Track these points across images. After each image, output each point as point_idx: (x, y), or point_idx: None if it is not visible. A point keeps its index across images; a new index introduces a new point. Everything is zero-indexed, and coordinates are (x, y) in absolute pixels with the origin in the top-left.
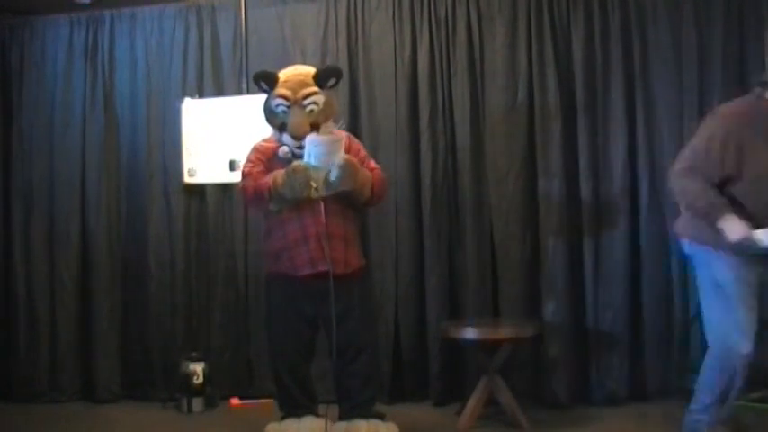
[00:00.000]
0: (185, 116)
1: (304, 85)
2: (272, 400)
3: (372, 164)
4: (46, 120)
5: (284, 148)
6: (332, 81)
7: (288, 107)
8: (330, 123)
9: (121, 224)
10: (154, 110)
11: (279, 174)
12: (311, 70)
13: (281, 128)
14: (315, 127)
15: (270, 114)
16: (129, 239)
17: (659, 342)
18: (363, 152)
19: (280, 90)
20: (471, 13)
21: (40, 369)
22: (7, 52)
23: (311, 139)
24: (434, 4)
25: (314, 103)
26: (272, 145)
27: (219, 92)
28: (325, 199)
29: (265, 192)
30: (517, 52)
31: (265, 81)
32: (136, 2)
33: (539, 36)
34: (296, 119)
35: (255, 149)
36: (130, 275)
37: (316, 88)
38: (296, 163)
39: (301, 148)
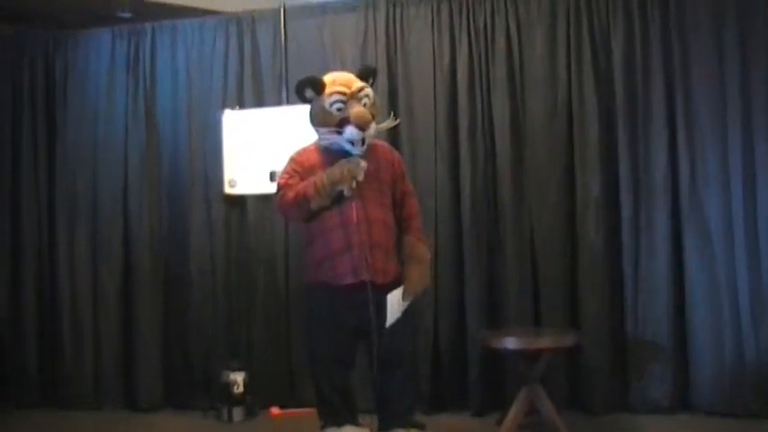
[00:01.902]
0: (226, 127)
1: (353, 80)
2: (312, 410)
3: (408, 186)
4: (89, 131)
5: (357, 152)
6: (371, 79)
7: (344, 102)
8: (390, 120)
9: (163, 234)
10: (195, 121)
11: (326, 171)
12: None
13: (341, 123)
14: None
15: (324, 115)
16: (171, 249)
17: (707, 353)
18: (402, 168)
19: (332, 88)
20: (510, 22)
21: (84, 376)
22: (51, 65)
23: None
24: (473, 13)
25: (366, 96)
26: (312, 154)
27: (259, 102)
28: (369, 208)
29: (309, 188)
30: (556, 60)
31: (312, 86)
32: (176, 14)
33: (578, 44)
34: (357, 109)
35: (293, 160)
36: (172, 284)
37: (365, 83)
38: (353, 158)
39: (363, 140)
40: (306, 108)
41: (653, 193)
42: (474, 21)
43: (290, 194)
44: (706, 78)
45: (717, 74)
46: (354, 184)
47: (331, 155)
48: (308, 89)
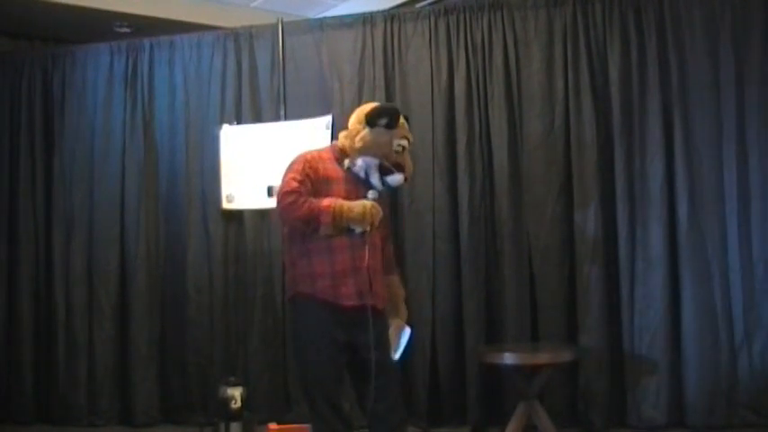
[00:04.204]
0: (223, 142)
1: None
2: (309, 426)
3: (390, 226)
4: (86, 146)
5: (374, 193)
6: None
7: (404, 148)
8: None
9: (160, 250)
10: (192, 136)
11: (346, 203)
12: None
13: (396, 167)
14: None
15: (385, 149)
16: (168, 265)
17: (701, 368)
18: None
19: (403, 131)
20: (507, 38)
21: (80, 393)
22: (49, 80)
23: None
24: (471, 30)
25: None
26: (330, 164)
27: (257, 118)
28: (374, 236)
29: (326, 215)
30: (554, 77)
31: (391, 118)
32: (174, 29)
33: (575, 61)
34: (409, 162)
35: (305, 161)
36: (169, 300)
37: None
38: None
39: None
40: (303, 123)
41: (649, 209)
42: (472, 37)
43: (304, 208)
44: (702, 96)
45: (713, 91)
46: (369, 228)
47: (349, 173)
48: (385, 118)
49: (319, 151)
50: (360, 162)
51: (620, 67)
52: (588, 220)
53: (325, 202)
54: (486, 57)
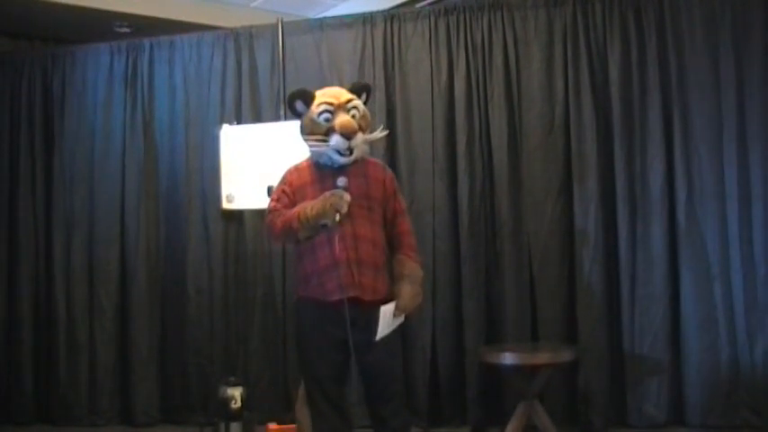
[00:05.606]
0: (223, 142)
1: (343, 93)
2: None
3: (400, 204)
4: (86, 146)
5: (343, 179)
6: (363, 96)
7: (332, 112)
8: (378, 131)
9: (160, 250)
10: (192, 136)
11: (309, 203)
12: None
13: (327, 132)
14: (360, 130)
15: (313, 125)
16: (168, 265)
17: (702, 368)
18: (394, 186)
19: (321, 99)
20: (507, 38)
21: (80, 393)
22: (49, 80)
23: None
24: (470, 29)
25: (355, 107)
26: (304, 171)
27: (257, 118)
28: (357, 225)
29: (294, 221)
30: (554, 77)
31: (303, 99)
32: (174, 29)
33: (575, 60)
34: (343, 118)
35: (283, 180)
36: (169, 300)
37: (354, 96)
38: (337, 191)
39: (350, 149)
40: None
41: (649, 209)
42: (471, 37)
43: (278, 223)
44: (702, 95)
45: (712, 90)
46: (338, 218)
47: (323, 171)
48: (298, 101)
49: (299, 163)
50: (313, 152)
51: (620, 66)
52: (588, 220)
53: (295, 209)
54: (486, 57)
